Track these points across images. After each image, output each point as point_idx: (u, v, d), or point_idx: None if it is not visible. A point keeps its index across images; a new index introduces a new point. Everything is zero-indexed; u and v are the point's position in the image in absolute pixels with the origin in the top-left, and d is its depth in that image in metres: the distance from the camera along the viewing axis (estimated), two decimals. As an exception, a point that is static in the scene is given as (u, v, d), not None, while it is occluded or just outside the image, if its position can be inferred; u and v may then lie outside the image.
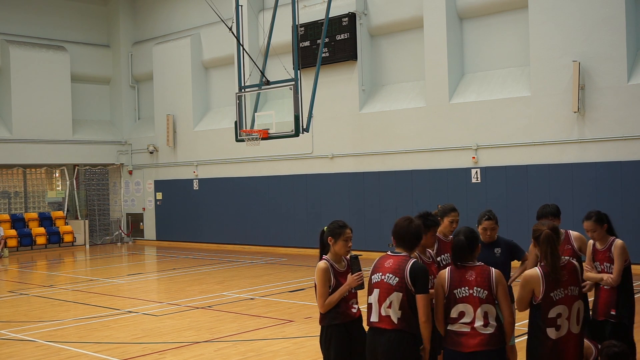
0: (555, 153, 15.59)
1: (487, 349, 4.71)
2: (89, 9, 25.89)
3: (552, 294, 4.86)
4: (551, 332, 4.84)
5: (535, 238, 5.05)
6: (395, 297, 4.84)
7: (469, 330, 4.77)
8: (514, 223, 15.34)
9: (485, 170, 16.70)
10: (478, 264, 4.94)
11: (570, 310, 4.88)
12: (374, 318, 4.92)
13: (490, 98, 16.65)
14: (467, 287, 4.82)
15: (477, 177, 16.80)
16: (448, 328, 4.87)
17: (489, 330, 4.75)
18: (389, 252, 5.07)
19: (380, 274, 4.95)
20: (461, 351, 4.75)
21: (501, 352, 4.79)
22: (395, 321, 4.84)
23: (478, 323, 4.76)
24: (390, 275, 4.89)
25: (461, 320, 4.80)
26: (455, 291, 4.85)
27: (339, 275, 5.40)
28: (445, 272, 4.96)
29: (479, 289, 4.81)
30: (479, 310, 4.77)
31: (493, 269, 4.93)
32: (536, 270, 4.94)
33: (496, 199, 16.15)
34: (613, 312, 5.89)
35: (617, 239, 6.22)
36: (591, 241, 6.30)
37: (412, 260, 4.92)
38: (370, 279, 5.02)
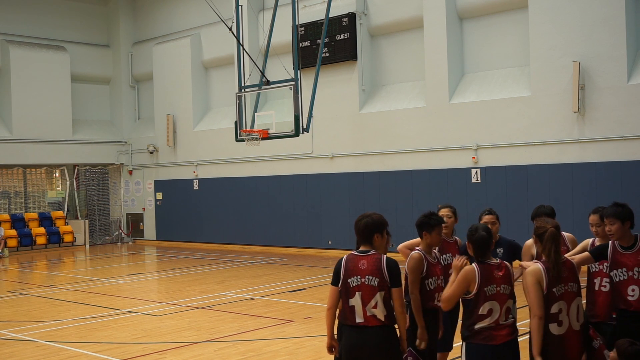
0: (555, 153, 15.59)
1: (513, 337, 5.01)
2: (89, 9, 25.89)
3: (554, 289, 4.94)
4: (554, 328, 4.91)
5: (538, 235, 5.10)
6: (379, 296, 5.03)
7: (495, 325, 4.96)
8: (514, 223, 15.32)
9: (485, 170, 16.70)
10: (498, 261, 5.12)
11: (569, 307, 4.97)
12: (359, 319, 5.04)
13: (490, 98, 16.65)
14: (495, 285, 4.98)
15: (477, 177, 16.80)
16: (476, 326, 4.96)
17: (510, 321, 5.03)
18: (354, 252, 5.19)
19: (359, 277, 5.07)
20: (494, 344, 4.92)
21: (517, 338, 5.11)
22: (382, 318, 5.03)
23: (502, 318, 4.98)
24: (370, 277, 5.05)
25: (489, 317, 4.96)
26: (485, 289, 4.98)
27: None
28: (475, 270, 5.02)
29: (505, 286, 5.02)
30: (504, 306, 4.99)
31: (510, 265, 5.17)
32: (538, 266, 5.00)
33: (496, 199, 16.14)
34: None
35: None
36: (589, 240, 6.23)
37: (384, 258, 5.11)
38: (347, 282, 5.09)
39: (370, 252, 5.13)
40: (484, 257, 5.08)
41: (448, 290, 5.09)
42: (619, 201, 5.80)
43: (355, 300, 5.04)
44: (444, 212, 6.66)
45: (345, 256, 5.21)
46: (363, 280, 5.04)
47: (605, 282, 5.85)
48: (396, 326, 5.17)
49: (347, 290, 5.09)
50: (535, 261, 5.26)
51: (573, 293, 5.01)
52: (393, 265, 5.08)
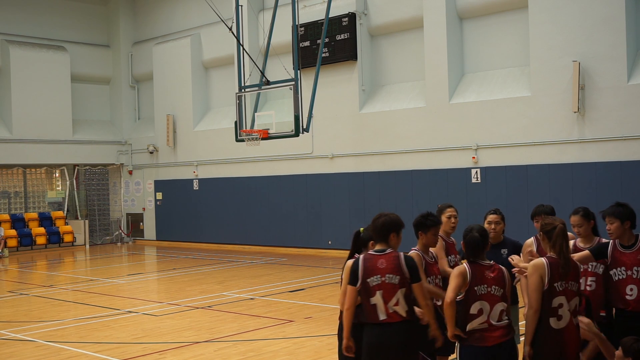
0: (555, 153, 15.59)
1: (507, 338, 4.99)
2: (89, 9, 25.89)
3: (556, 284, 5.01)
4: (553, 322, 4.98)
5: (547, 231, 5.14)
6: (400, 293, 5.08)
7: (487, 326, 4.97)
8: (514, 223, 15.23)
9: (485, 170, 16.70)
10: (492, 262, 5.13)
11: (569, 303, 5.03)
12: (382, 317, 5.08)
13: (490, 98, 16.65)
14: (486, 285, 5.00)
15: (477, 177, 16.80)
16: (468, 327, 4.98)
17: (504, 323, 5.01)
18: (371, 252, 5.22)
19: (379, 276, 5.09)
20: (485, 345, 4.92)
21: (513, 339, 5.13)
22: (404, 314, 5.09)
23: (493, 319, 4.97)
24: (390, 275, 5.07)
25: (480, 317, 4.97)
26: (476, 288, 5.00)
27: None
28: (466, 268, 5.04)
29: (496, 288, 5.02)
30: (495, 307, 4.98)
31: (504, 268, 5.18)
32: (542, 260, 5.07)
33: (496, 199, 16.14)
34: (603, 314, 5.88)
35: (603, 240, 6.17)
36: (571, 242, 6.22)
37: (402, 255, 5.15)
38: (366, 282, 5.11)
39: (388, 251, 5.17)
40: (475, 258, 5.09)
41: (448, 293, 5.04)
42: (620, 201, 5.79)
43: (377, 299, 5.09)
44: (451, 211, 6.56)
45: (361, 256, 5.24)
46: (383, 279, 5.09)
47: (591, 281, 5.84)
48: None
49: (367, 290, 5.12)
50: (530, 257, 5.27)
51: (573, 292, 5.07)
52: (411, 262, 5.17)
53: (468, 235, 5.14)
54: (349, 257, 5.57)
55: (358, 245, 5.63)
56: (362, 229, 5.64)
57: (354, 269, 5.19)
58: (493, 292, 4.98)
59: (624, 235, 5.61)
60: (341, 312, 5.63)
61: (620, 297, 5.58)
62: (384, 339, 5.04)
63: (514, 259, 5.67)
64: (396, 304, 5.06)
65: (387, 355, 5.04)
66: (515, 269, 5.63)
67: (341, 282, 5.70)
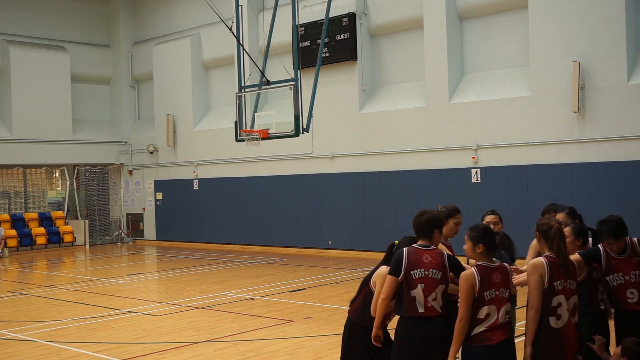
0: (555, 153, 15.59)
1: (509, 336, 5.02)
2: (89, 9, 25.89)
3: (555, 283, 5.02)
4: (553, 321, 4.99)
5: (543, 231, 5.17)
6: (439, 289, 5.23)
7: (493, 326, 4.98)
8: (514, 223, 15.30)
9: (485, 170, 16.70)
10: (498, 263, 5.12)
11: (567, 302, 5.05)
12: (421, 309, 5.21)
13: (490, 98, 16.65)
14: (494, 289, 5.00)
15: (477, 177, 16.80)
16: (475, 331, 4.95)
17: (507, 320, 5.04)
18: (416, 246, 5.33)
19: (423, 269, 5.23)
20: (490, 344, 4.92)
21: (513, 337, 5.17)
22: (439, 309, 5.23)
23: (501, 320, 4.99)
24: (434, 271, 5.23)
25: (486, 321, 4.96)
26: (485, 293, 4.98)
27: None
28: (474, 274, 4.98)
29: (503, 290, 5.02)
30: (502, 309, 4.99)
31: (509, 266, 5.19)
32: (541, 259, 5.08)
33: (496, 199, 16.15)
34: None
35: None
36: None
37: (445, 253, 5.31)
38: (409, 274, 5.22)
39: (432, 247, 5.32)
40: (486, 259, 5.07)
41: (462, 314, 4.98)
42: (602, 218, 5.72)
43: (417, 292, 5.21)
44: (459, 217, 6.29)
45: (405, 249, 5.33)
46: (427, 273, 5.22)
47: None
48: None
49: (409, 282, 5.23)
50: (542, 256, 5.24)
51: (571, 290, 5.09)
52: (454, 260, 5.34)
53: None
54: (379, 265, 5.69)
55: (391, 257, 5.67)
56: (396, 241, 5.71)
57: (398, 260, 5.30)
58: (500, 294, 4.99)
59: (619, 247, 5.63)
60: (352, 316, 5.72)
61: (620, 300, 5.59)
62: (425, 333, 5.16)
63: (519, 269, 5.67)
64: (434, 299, 5.20)
65: (426, 348, 5.16)
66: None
67: (361, 286, 5.84)
